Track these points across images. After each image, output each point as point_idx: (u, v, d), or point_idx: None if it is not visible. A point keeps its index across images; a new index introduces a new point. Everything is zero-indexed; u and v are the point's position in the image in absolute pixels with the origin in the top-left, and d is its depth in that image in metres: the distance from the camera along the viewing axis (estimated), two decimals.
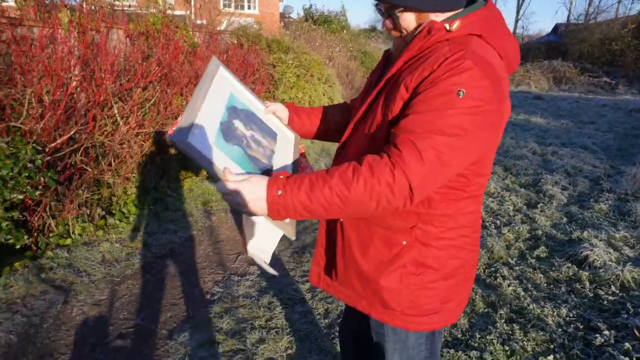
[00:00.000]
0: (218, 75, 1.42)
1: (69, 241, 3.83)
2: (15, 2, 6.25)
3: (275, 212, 1.08)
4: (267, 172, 1.32)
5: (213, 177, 1.15)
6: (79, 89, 4.42)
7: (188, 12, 15.71)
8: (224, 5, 18.80)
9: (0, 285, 3.04)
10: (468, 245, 1.31)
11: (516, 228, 4.37)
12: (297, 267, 3.61)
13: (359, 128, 1.31)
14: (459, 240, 1.27)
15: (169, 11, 9.15)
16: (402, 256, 1.24)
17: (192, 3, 16.76)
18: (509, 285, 3.29)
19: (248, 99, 1.51)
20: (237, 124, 1.36)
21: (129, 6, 8.51)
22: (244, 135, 1.34)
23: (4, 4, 6.18)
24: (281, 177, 1.10)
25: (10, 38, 3.94)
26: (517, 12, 42.89)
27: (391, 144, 1.08)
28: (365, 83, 1.52)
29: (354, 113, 1.41)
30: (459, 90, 1.04)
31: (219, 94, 1.37)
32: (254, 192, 1.08)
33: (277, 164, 1.39)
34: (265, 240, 1.29)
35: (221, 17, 14.03)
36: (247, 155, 1.29)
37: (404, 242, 1.23)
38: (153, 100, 4.91)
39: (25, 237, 3.35)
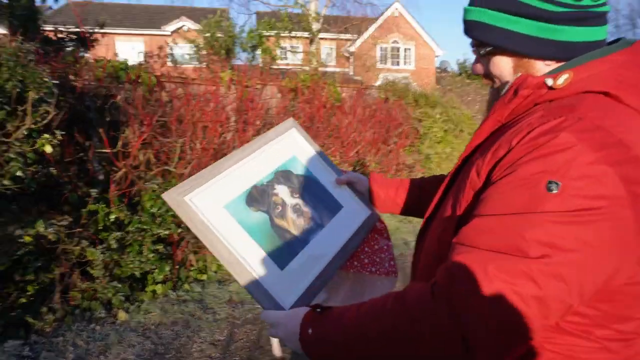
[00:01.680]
0: (285, 135, 1.35)
1: (205, 277, 4.11)
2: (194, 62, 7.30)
3: (309, 354, 0.89)
4: (297, 246, 1.17)
5: (210, 250, 1.05)
6: (229, 137, 4.87)
7: (347, 69, 16.72)
8: (381, 62, 19.52)
9: (142, 310, 3.35)
10: None
11: None
12: None
13: (437, 213, 1.00)
14: None
15: (323, 69, 9.78)
16: None
17: (351, 61, 17.85)
18: None
19: (316, 166, 1.38)
20: (279, 189, 1.25)
21: (287, 64, 9.37)
22: (280, 203, 1.22)
23: (184, 66, 7.28)
24: (318, 310, 0.90)
25: (174, 95, 4.56)
26: None
27: (443, 265, 0.77)
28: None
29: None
30: (549, 183, 0.68)
31: (272, 155, 1.29)
32: (289, 327, 0.91)
33: (320, 239, 1.23)
34: None
35: (376, 74, 14.59)
36: (270, 226, 1.17)
37: None
38: None
39: (167, 269, 3.68)
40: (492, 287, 0.68)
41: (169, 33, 19.72)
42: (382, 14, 20.79)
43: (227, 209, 1.11)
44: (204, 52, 7.44)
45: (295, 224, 1.21)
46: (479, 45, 0.94)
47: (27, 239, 2.95)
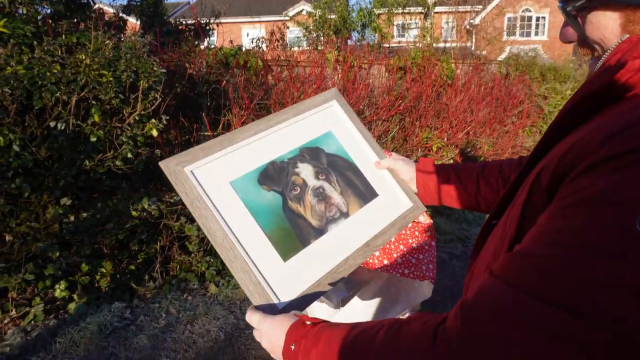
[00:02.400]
0: (323, 107, 1.19)
1: None
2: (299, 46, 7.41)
3: None
4: (310, 236, 1.03)
5: (206, 233, 0.93)
6: None
7: (467, 44, 15.66)
8: (508, 34, 17.93)
9: (230, 285, 3.55)
10: None
11: None
12: None
13: (493, 229, 0.78)
14: None
15: (439, 44, 9.28)
16: None
17: (473, 35, 16.66)
18: None
19: (354, 146, 1.21)
20: (303, 168, 1.09)
21: (398, 42, 9.05)
22: (300, 184, 1.07)
23: (294, 49, 7.43)
24: (307, 322, 0.79)
25: (277, 77, 4.65)
26: None
27: (461, 299, 0.60)
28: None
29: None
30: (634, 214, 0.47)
31: (303, 129, 1.15)
32: (273, 337, 0.81)
33: (341, 231, 1.06)
34: None
35: (500, 47, 13.43)
36: (282, 209, 1.03)
37: None
38: (392, 133, 4.98)
39: None
40: (522, 346, 0.49)
41: (288, 18, 20.38)
42: None
43: (232, 186, 0.99)
44: (313, 34, 7.50)
45: (313, 210, 1.06)
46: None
47: (134, 213, 3.29)
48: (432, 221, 1.35)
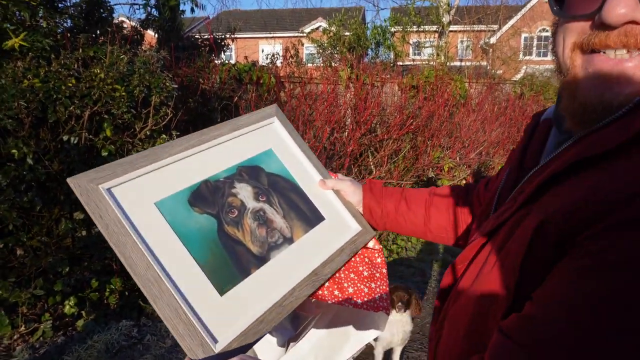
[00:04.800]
0: (262, 124, 1.10)
1: None
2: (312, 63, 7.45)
3: None
4: (250, 265, 0.91)
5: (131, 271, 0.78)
6: (344, 135, 4.85)
7: (483, 63, 15.65)
8: (524, 54, 17.89)
9: None
10: None
11: None
12: None
13: (471, 270, 0.68)
14: None
15: (455, 63, 9.26)
16: None
17: (490, 54, 16.65)
18: None
19: (297, 166, 1.11)
20: (240, 188, 0.98)
21: (413, 61, 9.06)
22: (238, 206, 0.96)
23: (308, 65, 7.47)
24: None
25: (289, 94, 4.67)
26: None
27: None
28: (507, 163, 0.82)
29: (478, 224, 0.79)
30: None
31: (240, 146, 1.05)
32: None
33: (285, 258, 0.96)
34: None
35: (516, 67, 13.38)
36: (217, 234, 0.90)
37: None
38: (404, 152, 4.95)
39: None
40: None
41: (305, 34, 20.58)
42: (528, 1, 18.97)
43: (158, 207, 0.86)
44: (327, 51, 7.54)
45: (253, 235, 0.94)
46: None
47: None
48: (381, 246, 1.28)
